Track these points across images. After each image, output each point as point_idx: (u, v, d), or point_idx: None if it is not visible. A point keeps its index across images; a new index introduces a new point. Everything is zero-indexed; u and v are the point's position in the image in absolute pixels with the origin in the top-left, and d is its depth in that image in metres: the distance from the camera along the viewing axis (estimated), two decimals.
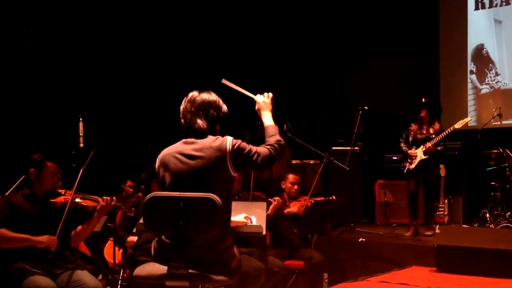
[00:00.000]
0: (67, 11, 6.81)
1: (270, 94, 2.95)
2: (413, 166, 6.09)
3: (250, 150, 2.70)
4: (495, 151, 6.54)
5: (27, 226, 3.48)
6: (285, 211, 5.10)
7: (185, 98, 2.84)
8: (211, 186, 2.66)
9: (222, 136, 2.76)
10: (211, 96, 2.81)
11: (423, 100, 6.13)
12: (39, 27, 6.63)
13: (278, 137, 2.80)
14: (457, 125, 5.90)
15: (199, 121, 2.76)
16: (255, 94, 2.95)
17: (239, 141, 2.72)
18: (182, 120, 2.81)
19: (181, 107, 2.82)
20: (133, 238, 4.47)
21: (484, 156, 6.66)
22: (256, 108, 2.93)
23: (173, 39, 7.78)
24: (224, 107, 2.84)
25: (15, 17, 6.41)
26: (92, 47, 7.06)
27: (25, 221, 3.49)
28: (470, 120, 6.24)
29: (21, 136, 6.10)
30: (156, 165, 2.81)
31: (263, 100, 2.92)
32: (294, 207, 5.12)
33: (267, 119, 2.90)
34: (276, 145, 2.76)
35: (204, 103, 2.78)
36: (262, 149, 2.73)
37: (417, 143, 6.13)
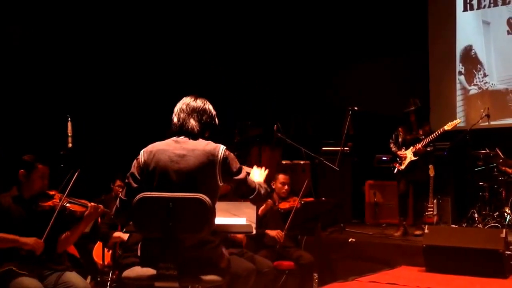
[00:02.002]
0: (56, 10, 6.76)
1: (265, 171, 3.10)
2: (402, 167, 6.12)
3: (239, 168, 2.77)
4: (483, 151, 6.59)
5: (15, 228, 3.44)
6: (266, 231, 5.01)
7: (180, 100, 2.86)
8: (198, 187, 2.65)
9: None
10: (207, 105, 2.85)
11: (412, 108, 6.14)
12: (27, 26, 6.57)
13: (267, 186, 2.96)
14: (447, 127, 5.94)
15: (192, 121, 2.78)
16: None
17: (232, 154, 2.77)
18: (175, 119, 2.81)
19: (176, 108, 2.84)
20: (119, 234, 4.40)
21: (473, 156, 6.71)
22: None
23: (161, 39, 7.74)
24: (216, 120, 2.88)
25: (3, 16, 6.35)
26: (80, 47, 7.01)
27: (12, 223, 3.45)
28: (459, 122, 6.25)
29: (10, 136, 6.04)
30: (144, 158, 2.74)
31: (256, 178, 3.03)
32: (273, 232, 5.04)
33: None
34: (264, 188, 2.90)
35: (200, 108, 2.81)
36: (251, 179, 2.85)
37: (406, 144, 6.17)
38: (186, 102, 2.82)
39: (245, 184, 2.79)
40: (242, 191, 2.82)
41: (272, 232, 5.01)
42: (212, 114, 2.84)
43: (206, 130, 2.82)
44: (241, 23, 8.33)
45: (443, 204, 6.62)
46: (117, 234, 4.48)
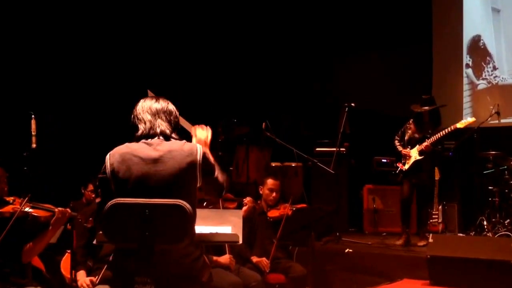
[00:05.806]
0: (18, 4, 6.72)
1: (209, 130, 2.93)
2: (406, 167, 6.12)
3: (214, 165, 2.77)
4: (493, 152, 6.61)
5: None
6: (253, 260, 4.98)
7: (139, 102, 2.83)
8: (178, 193, 2.63)
9: None
10: (170, 105, 2.86)
11: (426, 108, 6.11)
12: None
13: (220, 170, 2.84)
14: (460, 125, 5.92)
15: (162, 122, 2.77)
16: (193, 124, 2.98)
17: (207, 150, 2.78)
18: (141, 123, 2.77)
19: (137, 112, 2.80)
20: (84, 279, 4.21)
21: (481, 158, 6.72)
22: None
23: (132, 36, 7.72)
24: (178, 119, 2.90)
25: None
26: (46, 41, 6.96)
27: None
28: (474, 120, 6.19)
29: None
30: (111, 163, 2.69)
31: (199, 137, 2.89)
32: (257, 258, 4.98)
33: None
34: (226, 180, 2.83)
35: (165, 109, 2.82)
36: (222, 174, 2.80)
37: (412, 143, 6.16)
38: (148, 104, 2.81)
39: (218, 180, 2.77)
40: (215, 189, 2.80)
41: (255, 259, 4.97)
42: (176, 114, 2.86)
43: (175, 131, 2.82)
44: (232, 18, 8.35)
45: (449, 211, 6.65)
46: (81, 276, 4.22)
